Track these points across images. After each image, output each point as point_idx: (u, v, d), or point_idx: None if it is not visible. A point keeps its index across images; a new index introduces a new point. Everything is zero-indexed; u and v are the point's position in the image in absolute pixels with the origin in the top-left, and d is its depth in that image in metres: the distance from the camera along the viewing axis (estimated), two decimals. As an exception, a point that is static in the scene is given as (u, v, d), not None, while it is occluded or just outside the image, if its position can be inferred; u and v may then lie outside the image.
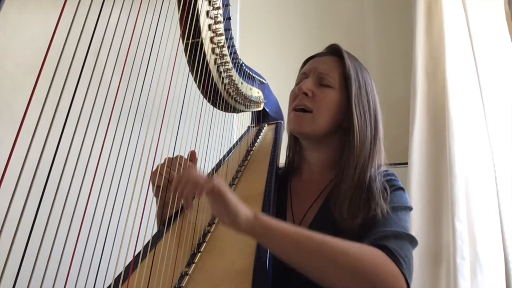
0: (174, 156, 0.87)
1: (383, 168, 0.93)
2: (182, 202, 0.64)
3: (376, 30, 2.24)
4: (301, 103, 0.92)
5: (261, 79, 1.28)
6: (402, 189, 0.88)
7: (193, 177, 0.63)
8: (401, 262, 0.69)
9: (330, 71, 0.93)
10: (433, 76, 1.67)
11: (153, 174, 0.84)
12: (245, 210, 0.65)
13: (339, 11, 2.31)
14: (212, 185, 0.62)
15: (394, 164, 1.00)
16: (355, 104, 0.89)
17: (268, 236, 0.66)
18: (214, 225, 0.82)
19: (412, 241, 0.76)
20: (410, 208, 0.85)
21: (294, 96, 0.95)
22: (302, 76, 0.97)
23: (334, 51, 0.97)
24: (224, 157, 1.12)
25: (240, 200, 0.66)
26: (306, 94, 0.91)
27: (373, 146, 0.89)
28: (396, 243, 0.72)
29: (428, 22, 1.71)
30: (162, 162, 0.86)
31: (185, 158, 0.89)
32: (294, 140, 1.02)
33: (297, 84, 0.98)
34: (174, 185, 0.64)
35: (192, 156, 0.92)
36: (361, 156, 0.88)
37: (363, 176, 0.87)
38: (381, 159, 0.93)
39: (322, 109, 0.91)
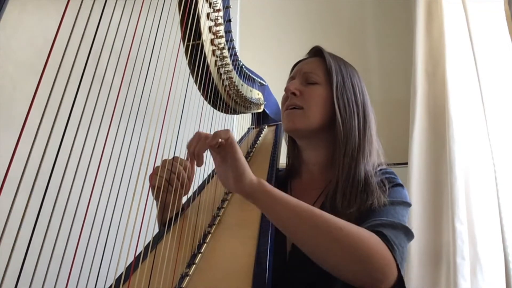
0: (171, 157, 0.87)
1: (383, 166, 0.93)
2: (195, 160, 0.67)
3: (376, 30, 2.24)
4: (291, 103, 0.95)
5: (261, 81, 1.29)
6: (401, 185, 0.89)
7: (205, 133, 0.65)
8: (395, 248, 0.69)
9: (314, 69, 0.96)
10: (433, 76, 1.67)
11: (152, 176, 0.84)
12: (250, 173, 0.67)
13: (339, 11, 2.31)
14: (227, 135, 0.65)
15: (394, 164, 1.00)
16: (337, 96, 0.92)
17: (268, 202, 0.67)
18: (214, 226, 0.82)
19: (407, 233, 0.76)
20: (408, 204, 0.85)
21: (284, 98, 0.99)
22: (290, 80, 1.01)
23: (316, 53, 1.01)
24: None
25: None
26: (294, 94, 0.95)
27: (362, 137, 0.91)
28: (391, 232, 0.72)
29: (428, 22, 1.72)
30: (160, 164, 0.86)
31: (182, 159, 0.89)
32: (292, 144, 1.03)
33: None
34: (189, 145, 0.67)
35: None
36: (348, 146, 0.89)
37: (356, 168, 0.87)
38: (377, 154, 0.94)
39: (311, 104, 0.93)
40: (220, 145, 0.65)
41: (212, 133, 0.68)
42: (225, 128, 0.70)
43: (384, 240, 0.69)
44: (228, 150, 0.66)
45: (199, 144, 0.65)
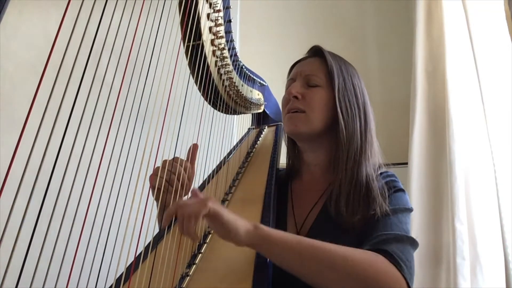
0: (171, 158, 0.87)
1: (383, 169, 0.93)
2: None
3: (376, 30, 2.24)
4: (293, 106, 0.94)
5: (262, 81, 1.29)
6: (402, 190, 0.89)
7: (187, 211, 0.62)
8: (402, 265, 0.69)
9: (316, 71, 0.95)
10: (433, 76, 1.67)
11: (152, 177, 0.84)
12: (244, 224, 0.65)
13: (339, 12, 2.31)
14: (205, 210, 0.62)
15: (394, 164, 1.00)
16: (339, 99, 0.91)
17: (269, 247, 0.66)
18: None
19: (413, 244, 0.76)
20: (410, 210, 0.85)
21: (286, 101, 0.98)
22: (290, 81, 1.00)
23: (316, 53, 1.00)
24: (224, 159, 1.12)
25: (236, 216, 0.66)
26: (296, 97, 0.94)
27: (364, 139, 0.90)
28: (397, 247, 0.72)
29: (428, 22, 1.72)
30: (161, 164, 0.86)
31: (182, 159, 0.89)
32: (292, 145, 1.03)
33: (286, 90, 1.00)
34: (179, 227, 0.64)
35: (194, 149, 0.92)
36: (351, 149, 0.89)
37: (358, 171, 0.87)
38: (377, 156, 0.93)
39: (314, 108, 0.92)
40: (204, 217, 0.63)
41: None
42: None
43: (390, 259, 0.69)
44: (213, 220, 0.64)
45: (185, 227, 0.62)
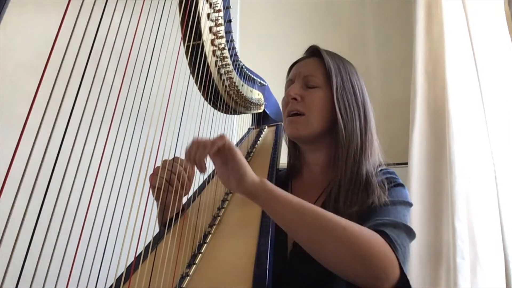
0: (171, 158, 0.87)
1: (383, 166, 0.93)
2: (196, 168, 0.67)
3: (376, 30, 2.25)
4: (292, 108, 0.95)
5: (262, 81, 1.29)
6: (402, 185, 0.89)
7: (203, 140, 0.65)
8: (398, 248, 0.69)
9: (314, 72, 0.95)
10: (433, 76, 1.67)
11: (152, 177, 0.85)
12: (252, 173, 0.67)
13: (339, 11, 2.31)
14: (223, 141, 0.65)
15: (394, 164, 1.00)
16: (337, 99, 0.91)
17: (271, 202, 0.67)
18: (214, 227, 0.82)
19: (409, 233, 0.76)
20: (410, 204, 0.85)
21: (285, 103, 0.98)
22: (289, 83, 1.00)
23: (314, 53, 1.00)
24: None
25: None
26: (295, 99, 0.94)
27: (364, 138, 0.91)
28: (393, 231, 0.72)
29: (428, 22, 1.72)
30: (161, 164, 0.86)
31: (182, 159, 0.89)
32: (293, 146, 1.03)
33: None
34: (187, 155, 0.67)
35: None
36: (350, 149, 0.89)
37: (358, 170, 0.88)
38: (377, 154, 0.94)
39: (313, 110, 0.93)
40: (218, 149, 0.66)
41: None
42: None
43: (386, 239, 0.69)
44: (227, 154, 0.66)
45: (198, 152, 0.65)
